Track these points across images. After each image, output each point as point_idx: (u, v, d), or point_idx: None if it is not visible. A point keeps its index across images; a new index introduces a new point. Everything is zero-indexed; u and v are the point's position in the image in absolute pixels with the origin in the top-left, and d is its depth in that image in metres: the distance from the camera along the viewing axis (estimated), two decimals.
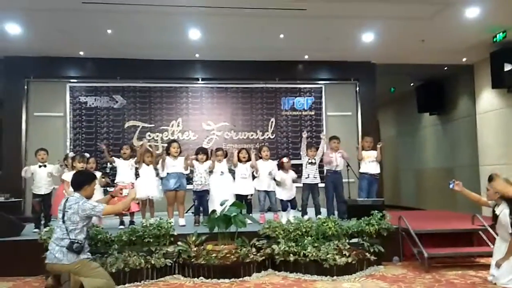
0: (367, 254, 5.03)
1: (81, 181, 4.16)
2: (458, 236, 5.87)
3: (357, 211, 5.83)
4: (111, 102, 8.75)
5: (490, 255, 4.83)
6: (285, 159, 6.55)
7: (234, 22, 6.96)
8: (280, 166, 6.54)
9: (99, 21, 6.84)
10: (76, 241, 3.92)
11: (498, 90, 8.46)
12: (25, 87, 8.44)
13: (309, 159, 6.64)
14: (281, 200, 6.48)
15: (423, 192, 11.72)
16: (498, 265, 4.42)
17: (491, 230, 5.57)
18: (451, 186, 4.92)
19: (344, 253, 4.84)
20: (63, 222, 3.97)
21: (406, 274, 4.93)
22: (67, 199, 4.07)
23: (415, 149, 12.17)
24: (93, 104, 8.69)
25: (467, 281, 4.60)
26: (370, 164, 6.76)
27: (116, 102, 8.77)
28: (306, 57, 8.77)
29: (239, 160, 6.52)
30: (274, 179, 6.44)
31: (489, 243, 5.54)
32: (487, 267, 4.87)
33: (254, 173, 6.54)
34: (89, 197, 4.16)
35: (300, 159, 6.88)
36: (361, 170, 6.84)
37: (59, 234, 3.96)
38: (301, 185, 6.68)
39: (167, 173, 6.28)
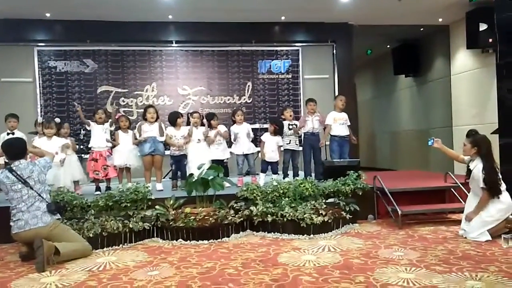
0: (343, 213, 5.12)
1: (24, 148, 4.30)
2: (431, 194, 6.03)
3: (333, 172, 5.88)
4: (82, 67, 8.45)
5: (461, 211, 4.97)
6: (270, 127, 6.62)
7: None
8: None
9: None
10: (50, 201, 4.13)
11: (472, 51, 8.51)
12: None
13: (289, 123, 6.66)
14: (262, 161, 6.51)
15: (398, 154, 11.94)
16: (468, 219, 4.57)
17: (462, 187, 5.74)
18: (430, 143, 5.01)
19: (320, 212, 4.91)
20: (31, 188, 4.04)
21: (380, 231, 5.06)
22: (10, 169, 4.04)
23: (390, 111, 12.30)
24: (63, 68, 8.37)
25: (438, 236, 4.74)
26: (340, 127, 6.77)
27: (87, 67, 8.47)
28: (283, 18, 8.58)
29: (210, 127, 6.49)
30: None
31: (461, 200, 5.72)
32: (458, 222, 5.04)
33: (232, 140, 6.60)
34: None
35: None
36: (332, 133, 6.81)
37: (29, 202, 4.03)
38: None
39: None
